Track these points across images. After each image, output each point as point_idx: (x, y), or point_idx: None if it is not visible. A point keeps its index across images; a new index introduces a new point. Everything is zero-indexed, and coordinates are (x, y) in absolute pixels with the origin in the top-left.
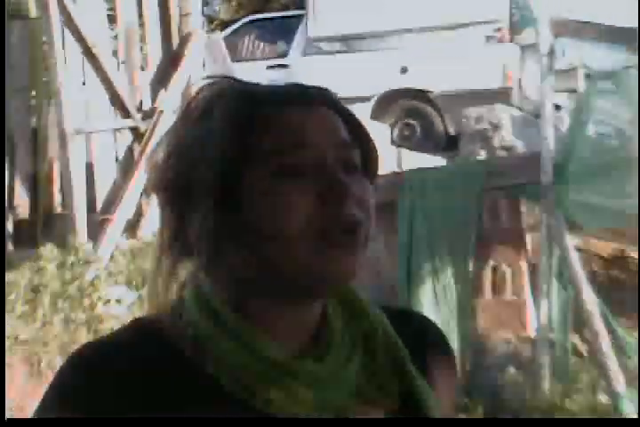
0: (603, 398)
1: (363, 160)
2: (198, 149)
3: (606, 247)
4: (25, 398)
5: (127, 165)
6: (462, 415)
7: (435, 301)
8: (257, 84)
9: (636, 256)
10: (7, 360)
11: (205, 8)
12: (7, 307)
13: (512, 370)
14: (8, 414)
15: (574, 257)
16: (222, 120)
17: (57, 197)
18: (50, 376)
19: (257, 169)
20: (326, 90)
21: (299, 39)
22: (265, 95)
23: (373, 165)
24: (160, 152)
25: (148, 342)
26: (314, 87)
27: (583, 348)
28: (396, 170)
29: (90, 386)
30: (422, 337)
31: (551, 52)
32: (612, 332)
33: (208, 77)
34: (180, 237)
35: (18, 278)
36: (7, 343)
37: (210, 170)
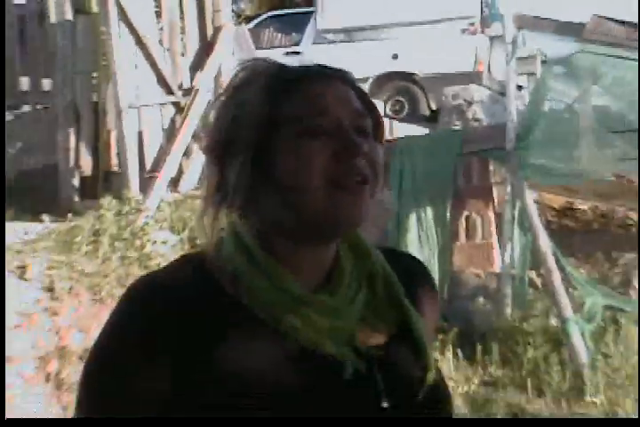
0: (553, 322)
1: (373, 127)
2: (238, 115)
3: (558, 201)
4: (89, 320)
5: (170, 133)
6: (440, 336)
7: (419, 243)
8: (288, 65)
9: (583, 208)
10: (75, 290)
11: (234, 5)
12: (74, 247)
13: (481, 299)
14: (71, 336)
15: (532, 208)
16: (257, 92)
17: (114, 159)
18: (109, 303)
19: (284, 131)
20: (344, 70)
21: (309, 31)
22: (293, 72)
23: (381, 131)
24: (209, 119)
25: (193, 275)
26: (334, 68)
27: (539, 281)
28: (389, 138)
29: (144, 313)
30: (411, 273)
31: (514, 42)
32: (562, 269)
33: (251, 60)
34: (220, 188)
35: (83, 224)
36: (75, 275)
37: (246, 131)
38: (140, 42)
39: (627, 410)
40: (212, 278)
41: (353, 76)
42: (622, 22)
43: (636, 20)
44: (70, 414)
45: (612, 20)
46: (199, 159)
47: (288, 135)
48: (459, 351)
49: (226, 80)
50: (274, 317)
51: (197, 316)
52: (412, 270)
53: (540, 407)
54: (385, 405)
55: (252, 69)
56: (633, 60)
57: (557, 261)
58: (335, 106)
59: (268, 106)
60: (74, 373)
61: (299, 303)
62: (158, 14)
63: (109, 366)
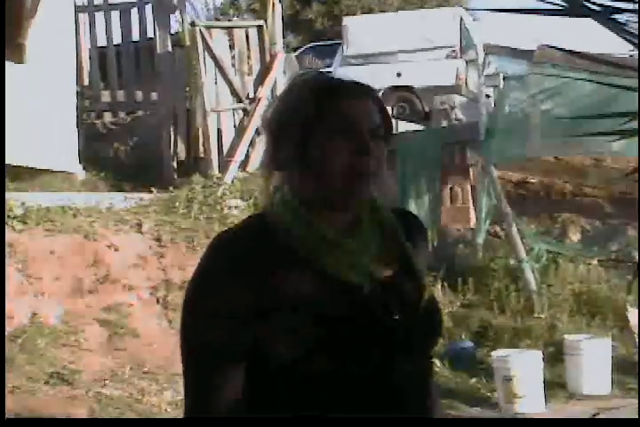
0: (512, 262)
1: (385, 134)
2: (290, 110)
3: (515, 176)
4: (185, 261)
5: (240, 130)
6: (432, 273)
7: (416, 207)
8: (330, 77)
9: (533, 181)
10: (175, 240)
11: (285, 39)
12: (174, 210)
13: (461, 246)
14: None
15: (497, 182)
16: (305, 95)
17: (201, 148)
18: (199, 250)
19: (321, 128)
20: (370, 86)
21: (338, 57)
22: (330, 85)
23: (390, 134)
24: (270, 113)
25: (257, 228)
26: (363, 84)
27: (502, 233)
28: (395, 132)
29: (224, 255)
30: (411, 225)
31: (483, 64)
32: (517, 224)
33: (305, 71)
34: (274, 162)
35: (180, 193)
36: (175, 230)
37: (295, 122)
38: (218, 65)
39: (562, 321)
40: (269, 229)
41: (376, 91)
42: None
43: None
44: (175, 328)
45: (553, 47)
46: (261, 148)
47: (323, 132)
48: (445, 283)
49: (280, 92)
50: (313, 255)
51: (260, 256)
52: (412, 223)
53: (503, 322)
54: (396, 316)
55: (302, 78)
56: (569, 77)
57: (514, 219)
58: (359, 115)
59: (312, 107)
60: (176, 297)
61: (330, 245)
62: (232, 46)
63: (202, 290)
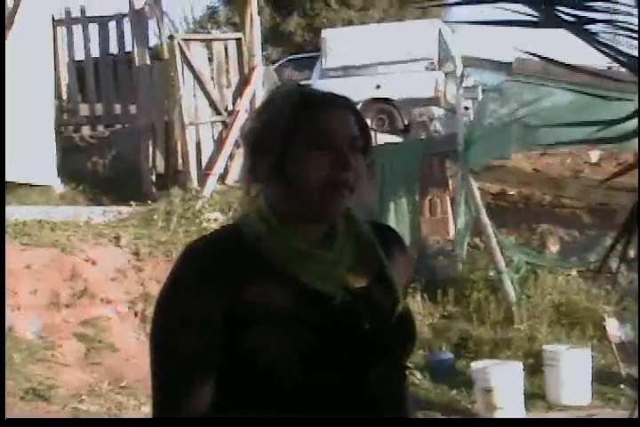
0: (492, 273)
1: (363, 146)
2: (269, 123)
3: (494, 188)
4: (164, 274)
5: (219, 143)
6: (413, 284)
7: (396, 219)
8: (309, 89)
9: (512, 193)
10: (153, 254)
11: (264, 51)
12: (152, 223)
13: (441, 258)
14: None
15: (476, 193)
16: (284, 108)
17: (179, 161)
18: None
19: (298, 141)
20: (349, 99)
21: (317, 69)
22: (309, 97)
23: (369, 147)
24: (248, 125)
25: (230, 238)
26: (342, 96)
27: (481, 245)
28: (374, 144)
29: (195, 263)
30: (388, 238)
31: (462, 76)
32: (496, 235)
33: (284, 83)
34: (252, 174)
35: (158, 207)
36: (153, 243)
37: (273, 135)
38: (197, 78)
39: (542, 332)
40: (243, 239)
41: (354, 103)
42: (539, 57)
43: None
44: None
45: (532, 54)
46: (240, 161)
47: (300, 145)
48: (425, 295)
49: (258, 104)
50: (285, 266)
51: (232, 265)
52: (389, 237)
53: (482, 333)
54: (366, 326)
55: (281, 90)
56: (549, 87)
57: (493, 230)
58: (338, 128)
59: (290, 119)
60: None
61: (303, 256)
62: (210, 58)
63: (172, 298)
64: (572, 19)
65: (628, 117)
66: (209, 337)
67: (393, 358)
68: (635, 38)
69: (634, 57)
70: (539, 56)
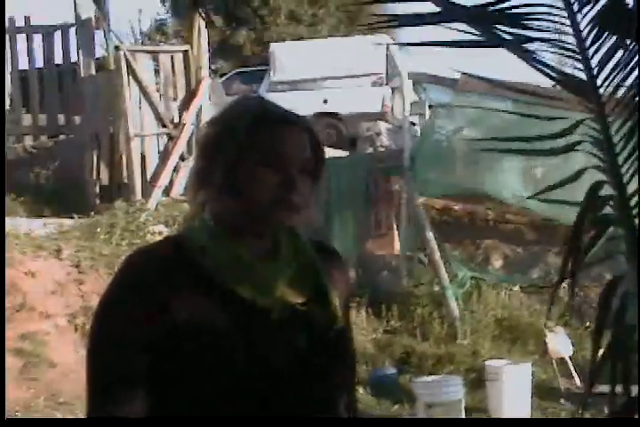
0: (436, 288)
1: (314, 166)
2: (221, 135)
3: (439, 202)
4: (103, 286)
5: (165, 155)
6: (357, 299)
7: (342, 233)
8: (273, 104)
9: (456, 208)
10: (95, 267)
11: (211, 64)
12: (95, 236)
13: (385, 273)
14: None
15: (420, 209)
16: (238, 122)
17: (124, 173)
18: None
19: (248, 156)
20: (304, 118)
21: (265, 83)
22: (271, 113)
23: (320, 170)
24: (205, 130)
25: (172, 249)
26: (297, 115)
27: (425, 259)
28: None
29: (133, 273)
30: (330, 258)
31: (409, 92)
32: (441, 251)
33: (247, 95)
34: (202, 178)
35: (102, 219)
36: (96, 256)
37: (224, 150)
38: (143, 90)
39: (485, 347)
40: (183, 251)
41: (310, 123)
42: (482, 78)
43: (495, 76)
44: None
45: (475, 76)
46: (185, 174)
47: (250, 161)
48: (369, 310)
49: (205, 118)
50: (225, 278)
51: (169, 278)
52: (328, 254)
53: (426, 348)
54: (302, 341)
55: (247, 102)
56: (494, 105)
57: (437, 245)
58: (290, 149)
59: (247, 132)
60: None
61: (243, 269)
62: (157, 70)
63: (109, 308)
64: (510, 37)
65: (565, 132)
66: (139, 353)
67: (327, 376)
68: (572, 57)
69: (572, 76)
70: (477, 76)
